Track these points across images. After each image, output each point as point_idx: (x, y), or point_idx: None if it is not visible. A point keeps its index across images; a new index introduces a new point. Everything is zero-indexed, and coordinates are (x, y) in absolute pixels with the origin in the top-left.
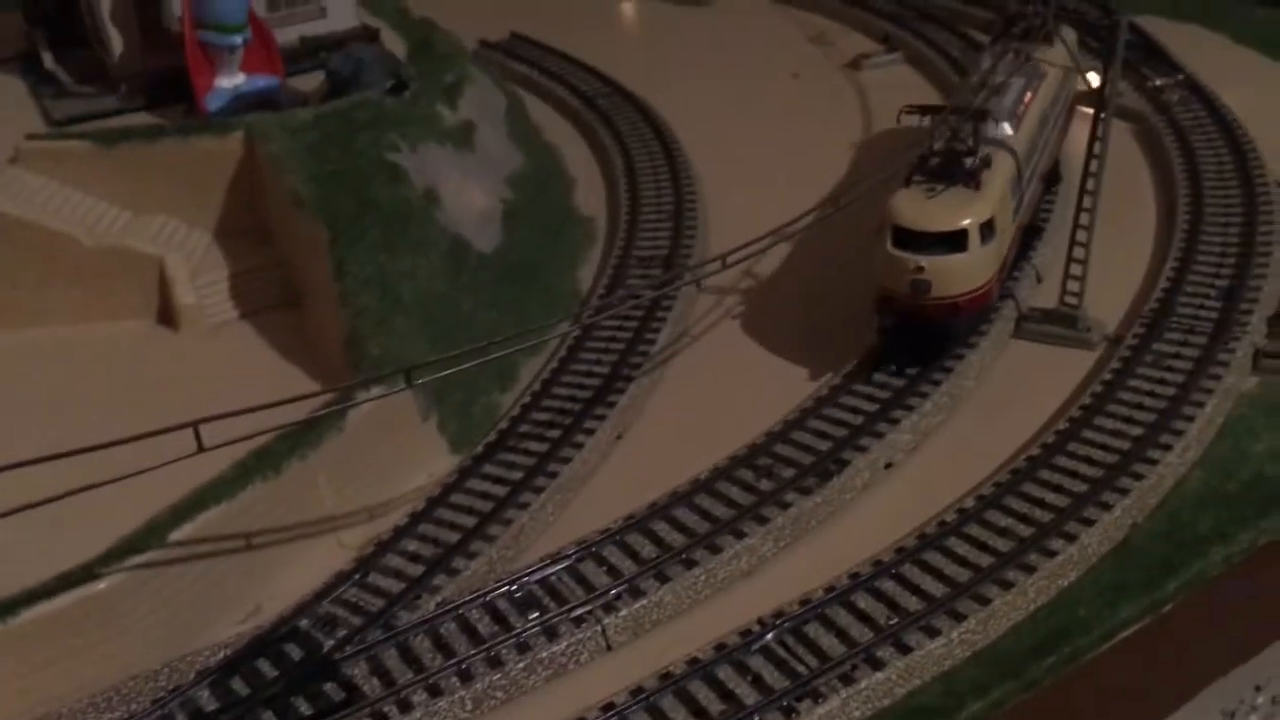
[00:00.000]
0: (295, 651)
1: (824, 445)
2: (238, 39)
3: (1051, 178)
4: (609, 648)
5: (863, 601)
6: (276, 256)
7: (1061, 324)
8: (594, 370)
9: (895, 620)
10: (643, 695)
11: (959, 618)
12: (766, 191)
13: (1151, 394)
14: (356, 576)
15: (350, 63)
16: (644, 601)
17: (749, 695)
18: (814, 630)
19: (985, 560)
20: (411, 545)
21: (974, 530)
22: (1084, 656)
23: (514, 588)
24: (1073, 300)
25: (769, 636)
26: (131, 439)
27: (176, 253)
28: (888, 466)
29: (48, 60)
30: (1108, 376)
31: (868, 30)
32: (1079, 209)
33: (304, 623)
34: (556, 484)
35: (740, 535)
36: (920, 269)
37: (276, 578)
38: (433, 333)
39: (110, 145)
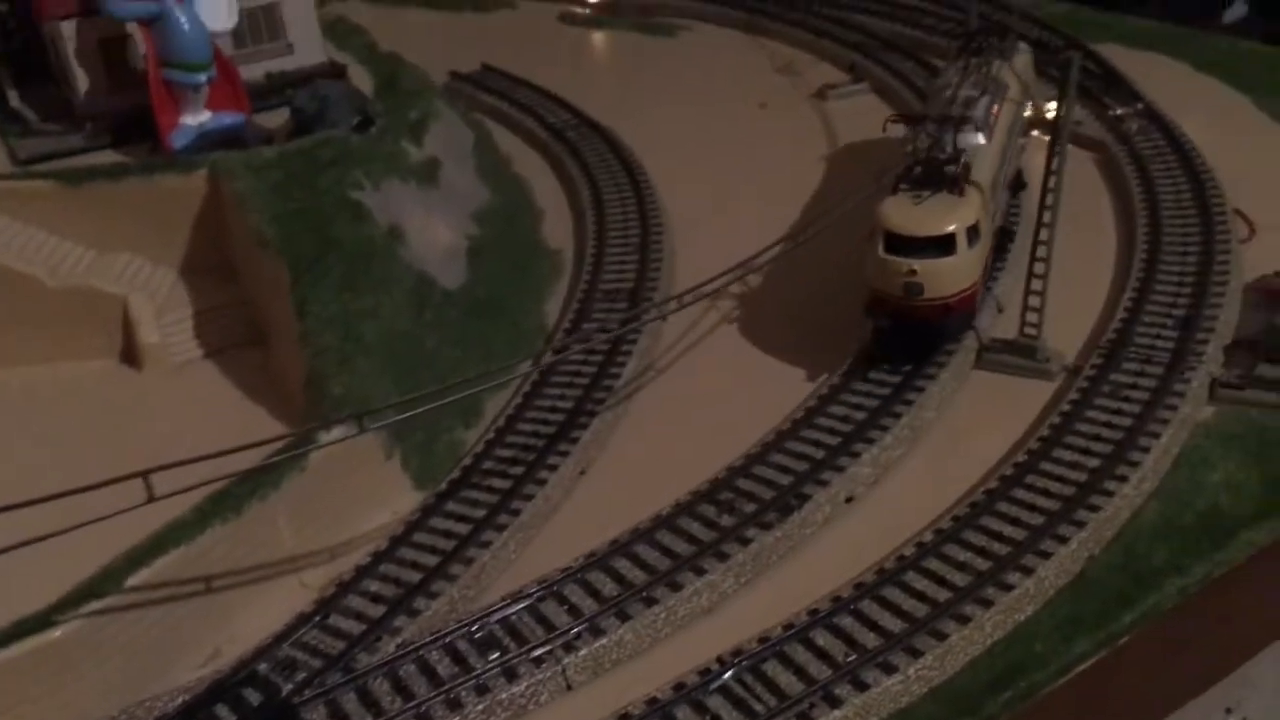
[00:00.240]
0: (254, 696)
1: (785, 479)
2: (202, 77)
3: (1016, 184)
4: (569, 687)
5: (821, 638)
6: (241, 294)
7: (1021, 355)
8: (558, 405)
9: (853, 657)
10: None
11: (916, 654)
12: (733, 221)
13: (1108, 425)
14: (317, 618)
15: (315, 100)
16: (604, 640)
17: None
18: (772, 668)
19: (943, 595)
20: (373, 585)
21: (932, 564)
22: (1040, 691)
23: (474, 628)
24: (1032, 331)
25: (728, 675)
26: (78, 490)
27: (140, 292)
28: (848, 500)
29: (13, 99)
30: (1065, 408)
31: (835, 60)
32: (1035, 241)
33: (263, 666)
34: (519, 522)
35: (701, 572)
36: (913, 272)
37: (237, 620)
38: (395, 371)
39: (75, 184)
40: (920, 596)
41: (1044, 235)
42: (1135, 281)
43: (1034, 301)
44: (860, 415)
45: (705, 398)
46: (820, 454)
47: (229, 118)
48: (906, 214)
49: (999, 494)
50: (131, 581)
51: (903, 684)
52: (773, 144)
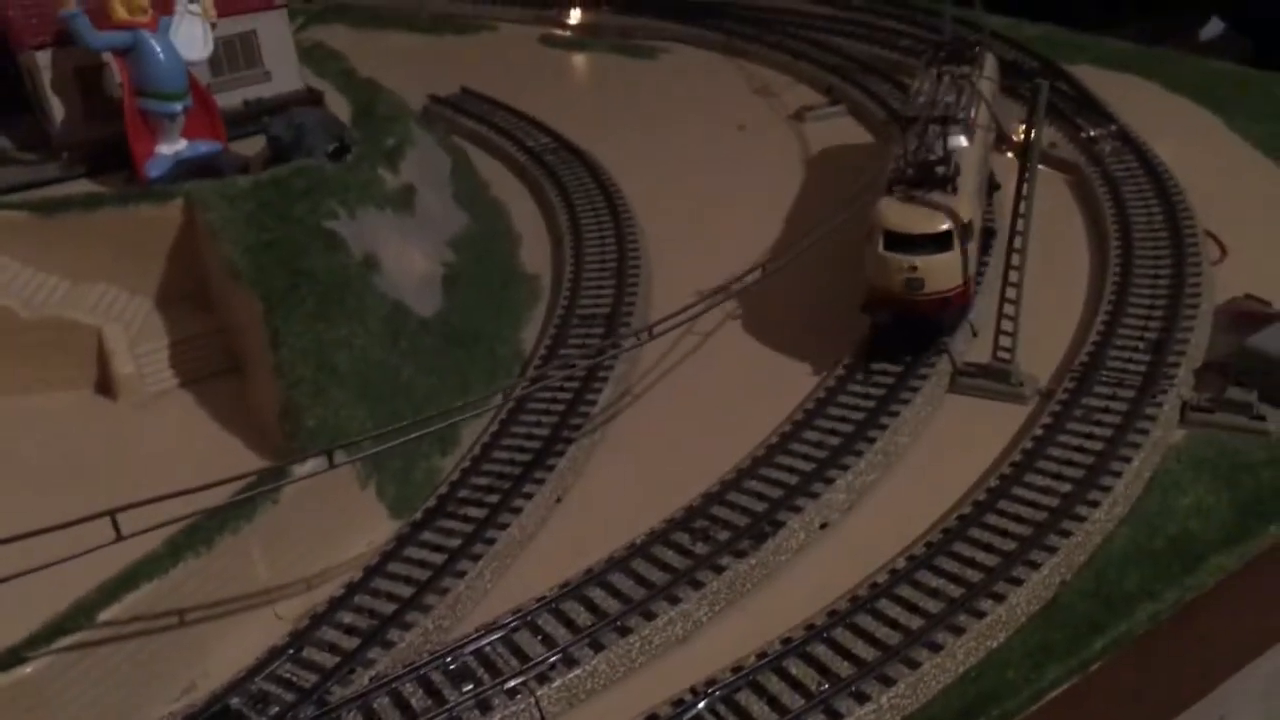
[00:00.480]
0: None
1: (760, 506)
2: (178, 106)
3: (990, 185)
4: (543, 719)
5: (794, 667)
6: (217, 324)
7: (994, 379)
8: (534, 433)
9: (826, 686)
10: None
11: (889, 682)
12: (711, 244)
13: (1080, 449)
14: (290, 651)
15: (292, 127)
16: (578, 671)
17: None
18: (745, 698)
19: (916, 623)
20: (347, 617)
21: (905, 591)
22: (1013, 719)
23: (448, 659)
24: (1005, 355)
25: (700, 705)
26: (43, 531)
27: (115, 322)
28: (823, 526)
29: None
30: (1038, 432)
31: (812, 83)
32: (1008, 265)
33: (235, 700)
34: (494, 551)
35: (675, 601)
36: (914, 268)
37: (211, 654)
38: (370, 401)
39: (50, 214)
40: (893, 624)
41: (1015, 260)
42: (1107, 304)
43: (1007, 325)
44: (835, 440)
45: (681, 423)
46: (794, 480)
47: (205, 146)
48: (904, 213)
49: (972, 519)
50: (104, 616)
51: (875, 713)
52: (750, 166)
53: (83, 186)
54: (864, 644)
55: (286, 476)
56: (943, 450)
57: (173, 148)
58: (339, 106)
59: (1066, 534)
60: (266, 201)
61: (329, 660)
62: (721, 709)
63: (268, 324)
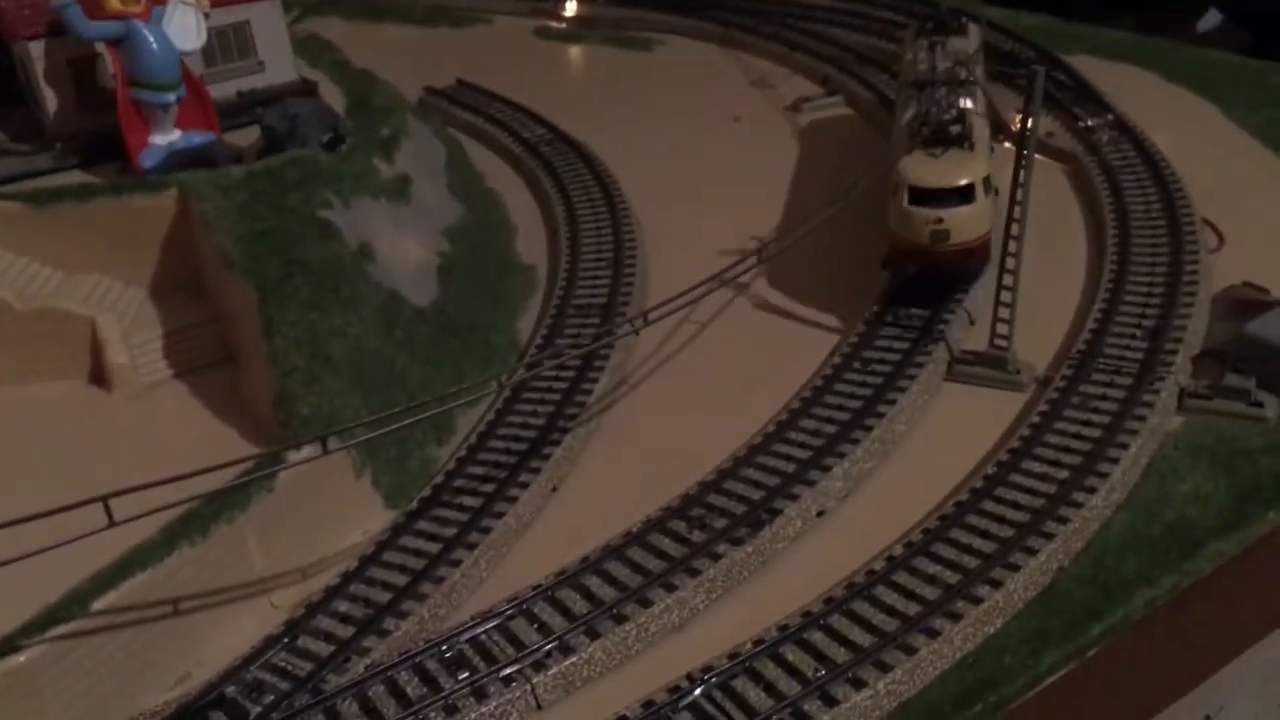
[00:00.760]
0: (221, 719)
1: (756, 494)
2: (171, 96)
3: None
4: (539, 707)
5: (791, 654)
6: (211, 314)
7: (991, 366)
8: (530, 422)
9: (823, 673)
10: None
11: (885, 668)
12: (707, 234)
13: (1078, 436)
14: (285, 640)
15: (286, 118)
16: (574, 659)
17: None
18: (741, 684)
19: (913, 609)
20: (343, 606)
21: (902, 578)
22: (1010, 705)
23: (444, 648)
24: (1002, 343)
25: (697, 692)
26: (34, 517)
27: (109, 312)
28: (819, 514)
29: None
30: (1035, 419)
31: (809, 74)
32: (1005, 253)
33: (231, 689)
34: (490, 539)
35: (671, 588)
36: (940, 220)
37: (206, 643)
38: (365, 390)
39: (43, 205)
40: (890, 611)
41: (1013, 248)
42: (1105, 292)
43: (1004, 313)
44: (831, 429)
45: (678, 412)
46: (792, 468)
47: (199, 137)
48: (928, 169)
49: (969, 506)
50: (98, 605)
51: (872, 699)
52: (747, 157)
53: (76, 177)
54: (861, 630)
55: (281, 463)
56: (940, 438)
57: (166, 138)
58: (333, 97)
59: (1064, 520)
60: (260, 191)
61: (324, 649)
62: (718, 696)
63: (262, 313)
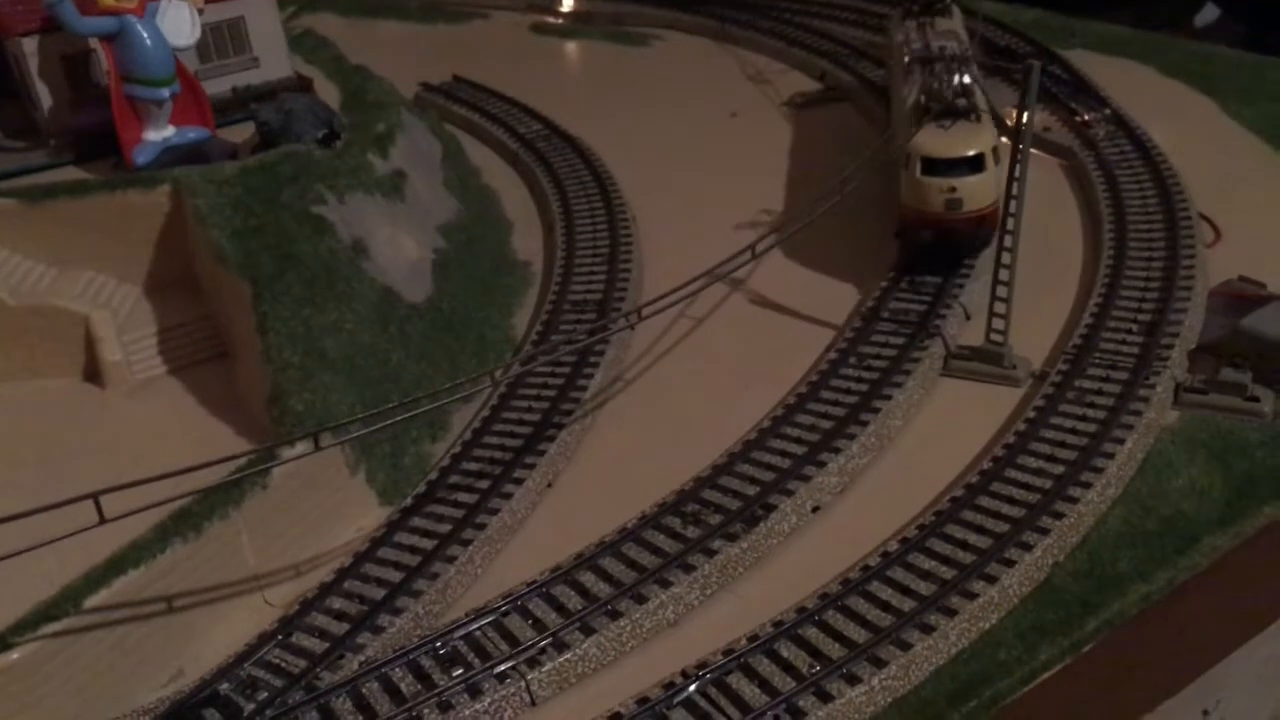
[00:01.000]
0: (215, 716)
1: (751, 490)
2: (165, 92)
3: None
4: (533, 703)
5: (785, 650)
6: (205, 310)
7: (987, 361)
8: (525, 418)
9: (817, 668)
10: None
11: (880, 664)
12: (703, 231)
13: (1074, 431)
14: (279, 637)
15: (280, 113)
16: (569, 655)
17: None
18: (736, 680)
19: (908, 604)
20: (337, 603)
21: (897, 574)
22: (1005, 700)
23: (438, 644)
24: (998, 337)
25: (692, 688)
26: (24, 514)
27: (103, 309)
28: (815, 510)
29: None
30: (1031, 414)
31: (806, 69)
32: (1000, 247)
33: (224, 686)
34: (484, 536)
35: (666, 584)
36: (953, 189)
37: (200, 640)
38: (359, 386)
39: (36, 202)
40: (885, 606)
41: (1008, 243)
42: (1101, 287)
43: (1000, 308)
44: (827, 424)
45: (672, 408)
46: (787, 463)
47: (193, 133)
48: (940, 140)
49: (964, 501)
50: (91, 602)
51: (867, 695)
52: (744, 152)
53: (70, 173)
54: (855, 626)
55: (274, 459)
56: (935, 433)
57: (160, 134)
58: (329, 93)
59: (1059, 515)
60: (254, 186)
61: (318, 646)
62: (713, 692)
63: (255, 309)
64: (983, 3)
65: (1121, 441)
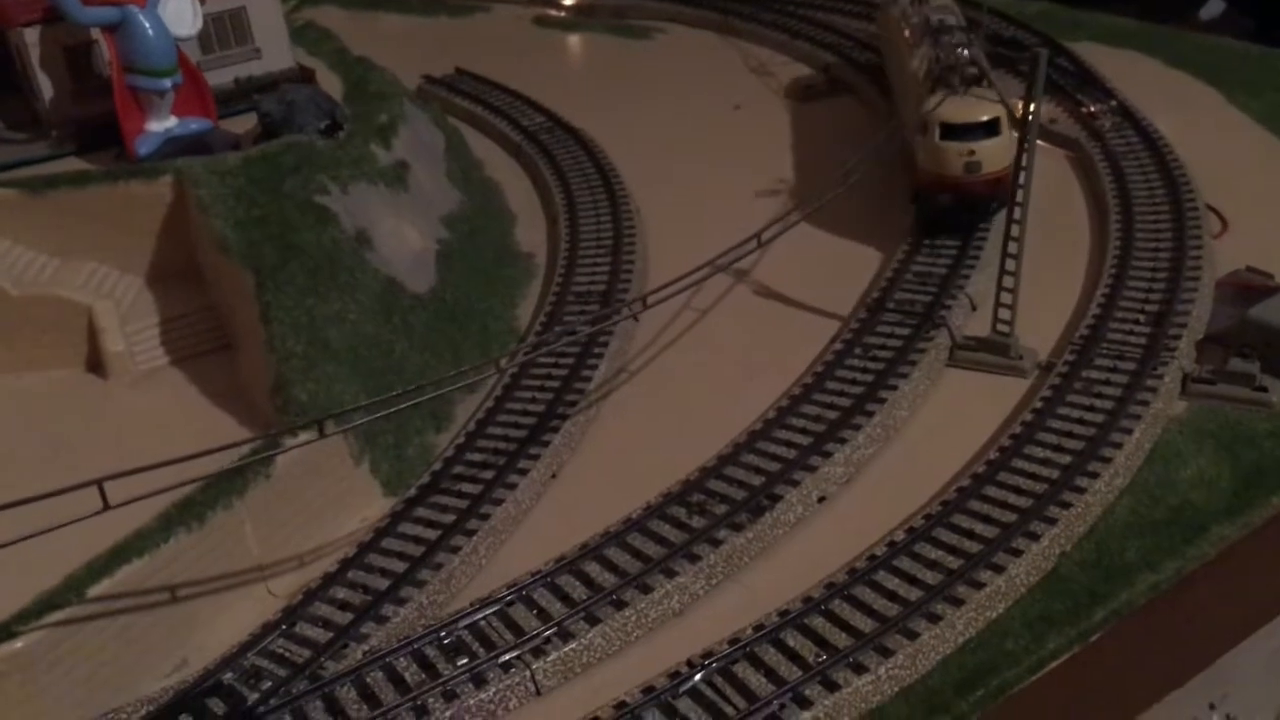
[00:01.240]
0: (219, 706)
1: (757, 479)
2: (167, 83)
3: None
4: (538, 693)
5: (791, 639)
6: (208, 300)
7: (994, 352)
8: (529, 409)
9: (823, 658)
10: None
11: (887, 653)
12: (706, 222)
13: (1081, 421)
14: (283, 627)
15: (283, 104)
16: (574, 644)
17: None
18: (742, 670)
19: (914, 594)
20: (341, 593)
21: (903, 563)
22: (1012, 689)
23: (443, 634)
24: (1004, 328)
25: (698, 677)
26: (28, 500)
27: (105, 299)
28: (820, 500)
29: None
30: (1038, 404)
31: (810, 62)
32: (1007, 238)
33: (229, 676)
34: (488, 526)
35: (671, 574)
36: (972, 152)
37: (204, 630)
38: (362, 376)
39: (39, 192)
40: (891, 596)
41: (1015, 232)
42: (1108, 278)
43: (1006, 299)
44: (833, 414)
45: (677, 398)
46: (792, 453)
47: (195, 123)
48: (958, 107)
49: (971, 491)
50: (94, 591)
51: (873, 684)
52: (747, 144)
53: (72, 164)
54: (862, 616)
55: (278, 447)
56: (941, 423)
57: (163, 125)
58: (331, 84)
59: (1066, 505)
60: (257, 177)
61: (322, 635)
62: (719, 681)
63: (259, 299)
64: None
65: (1129, 431)
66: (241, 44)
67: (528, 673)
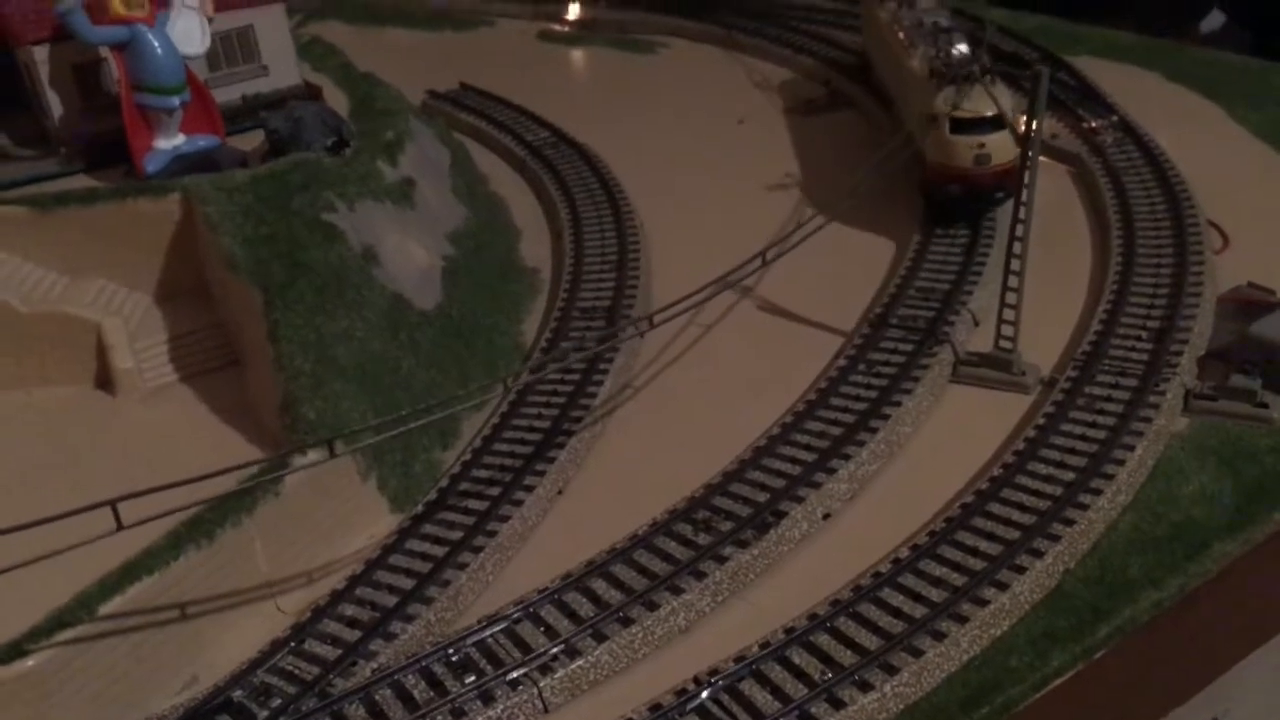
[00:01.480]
0: None
1: (762, 496)
2: (175, 100)
3: None
4: (545, 710)
5: (797, 657)
6: (216, 318)
7: (996, 368)
8: (535, 425)
9: (829, 675)
10: None
11: (892, 671)
12: (710, 238)
13: (1084, 438)
14: (292, 644)
15: (290, 121)
16: (581, 662)
17: None
18: (748, 687)
19: (919, 611)
20: (349, 610)
21: (908, 580)
22: (1016, 707)
23: (450, 651)
24: (1007, 344)
25: (704, 695)
26: (42, 521)
27: (114, 316)
28: (825, 517)
29: None
30: (1041, 421)
31: (813, 76)
32: (1009, 254)
33: (238, 693)
34: (495, 543)
35: (678, 591)
36: (982, 145)
37: (213, 647)
38: (370, 393)
39: (48, 209)
40: (896, 613)
41: (1017, 249)
42: (1110, 293)
43: (1008, 315)
44: (837, 431)
45: (682, 415)
46: (797, 470)
47: (203, 141)
48: (966, 101)
49: (975, 508)
50: (105, 609)
51: (879, 701)
52: (750, 160)
53: (81, 182)
54: (867, 633)
55: (287, 467)
56: (945, 440)
57: (171, 142)
58: (337, 101)
59: (1070, 523)
60: (264, 195)
61: (331, 653)
62: (725, 699)
63: (267, 316)
64: (991, 9)
65: (1132, 448)
66: (249, 61)
67: (535, 690)
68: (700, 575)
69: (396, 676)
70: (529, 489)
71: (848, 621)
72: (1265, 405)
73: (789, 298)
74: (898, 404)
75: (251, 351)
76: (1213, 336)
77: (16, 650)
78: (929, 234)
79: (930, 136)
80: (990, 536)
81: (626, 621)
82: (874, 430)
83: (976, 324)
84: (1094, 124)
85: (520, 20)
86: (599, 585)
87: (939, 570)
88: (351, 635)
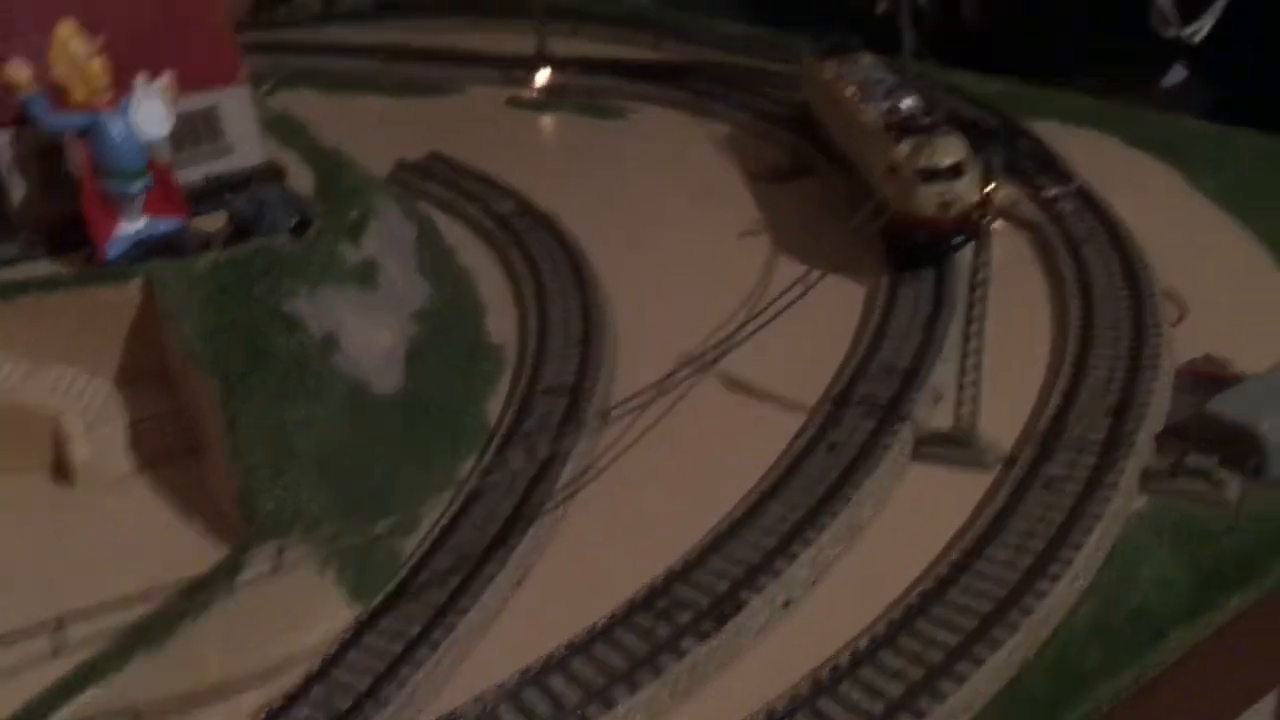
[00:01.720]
0: None
1: (722, 584)
2: (137, 185)
3: None
4: None
5: None
6: (178, 403)
7: (957, 446)
8: (496, 512)
9: None
10: None
11: None
12: (676, 312)
13: (1042, 520)
14: None
15: (253, 204)
16: None
17: None
18: None
19: (877, 706)
20: (304, 712)
21: (866, 674)
22: None
23: None
24: (966, 422)
25: None
26: None
27: (73, 405)
28: (786, 604)
29: None
30: (1000, 504)
31: (778, 143)
32: (968, 330)
33: None
34: (453, 637)
35: (635, 688)
36: (945, 193)
37: None
38: (330, 483)
39: (9, 297)
40: (854, 709)
41: (974, 327)
42: (1069, 367)
43: (968, 392)
44: (797, 515)
45: (644, 498)
46: (757, 557)
47: (166, 223)
48: (929, 152)
49: (934, 595)
50: (56, 718)
51: None
52: (718, 227)
53: (42, 267)
54: None
55: (233, 580)
56: (906, 521)
57: (133, 226)
58: (303, 179)
59: (1028, 611)
60: (225, 282)
61: None
62: None
63: (225, 408)
64: (952, 73)
65: (1090, 531)
66: (213, 140)
67: None
68: (658, 670)
69: None
70: (489, 579)
71: (804, 718)
72: (1222, 483)
73: (752, 370)
74: (858, 485)
75: (210, 441)
76: (1170, 410)
77: None
78: (892, 299)
79: (895, 187)
80: (949, 626)
81: None
82: (835, 514)
83: (937, 400)
84: (1053, 191)
85: (490, 86)
86: (556, 681)
87: (897, 662)
88: None
